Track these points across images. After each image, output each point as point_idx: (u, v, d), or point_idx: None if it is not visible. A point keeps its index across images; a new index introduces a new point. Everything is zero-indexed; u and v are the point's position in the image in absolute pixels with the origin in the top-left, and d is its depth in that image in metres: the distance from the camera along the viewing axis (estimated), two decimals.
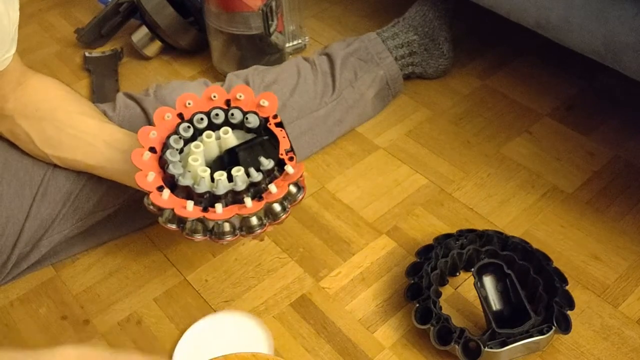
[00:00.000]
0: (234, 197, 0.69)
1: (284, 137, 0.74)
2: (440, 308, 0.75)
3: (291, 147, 0.74)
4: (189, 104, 0.78)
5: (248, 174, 0.70)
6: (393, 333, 0.77)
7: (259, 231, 0.71)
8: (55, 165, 0.81)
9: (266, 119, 0.76)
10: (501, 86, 1.09)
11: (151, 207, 0.72)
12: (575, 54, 0.90)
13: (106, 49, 1.21)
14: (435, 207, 0.91)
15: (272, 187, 0.69)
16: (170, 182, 0.71)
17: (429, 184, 0.94)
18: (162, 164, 0.72)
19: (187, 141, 0.76)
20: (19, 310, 0.81)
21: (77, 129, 0.80)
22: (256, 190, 0.70)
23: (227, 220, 0.70)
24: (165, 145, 0.73)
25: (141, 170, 0.71)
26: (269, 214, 0.72)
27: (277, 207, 0.72)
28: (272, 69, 0.98)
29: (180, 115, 0.77)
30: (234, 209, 0.69)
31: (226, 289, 0.82)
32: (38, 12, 1.33)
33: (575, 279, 0.81)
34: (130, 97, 0.92)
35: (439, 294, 0.78)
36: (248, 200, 0.68)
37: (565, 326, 0.72)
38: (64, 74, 1.17)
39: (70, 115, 0.81)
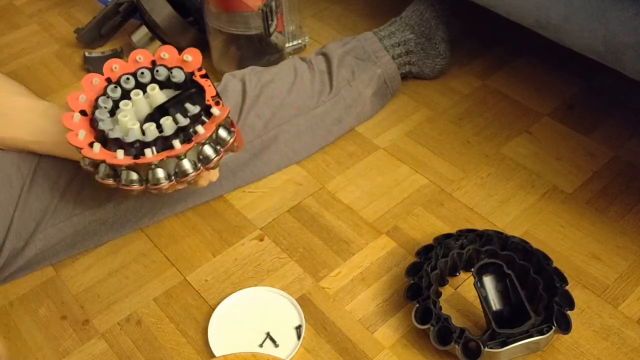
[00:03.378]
0: (164, 144, 0.72)
1: (209, 85, 0.77)
2: (440, 308, 0.75)
3: (217, 94, 0.77)
4: (115, 68, 0.80)
5: (177, 122, 0.73)
6: (393, 333, 0.77)
7: (192, 174, 0.74)
8: (42, 157, 0.82)
9: (192, 73, 0.79)
10: (501, 86, 1.09)
11: (87, 166, 0.75)
12: (575, 54, 0.90)
13: (106, 49, 1.21)
14: (435, 207, 0.91)
15: (200, 128, 0.72)
16: (102, 140, 0.73)
17: (429, 184, 0.94)
18: (93, 123, 0.74)
19: (117, 102, 0.78)
20: (18, 310, 0.81)
21: (10, 108, 0.81)
22: (185, 135, 0.73)
23: (159, 166, 0.72)
24: (95, 107, 0.76)
25: (72, 130, 0.73)
26: (201, 158, 0.75)
27: (208, 149, 0.74)
28: (269, 69, 0.98)
29: (108, 80, 0.79)
30: (163, 153, 0.72)
31: (226, 289, 0.82)
32: (38, 12, 1.33)
33: (575, 279, 0.81)
34: None
35: (438, 294, 0.78)
36: (177, 143, 0.71)
37: (565, 326, 0.72)
38: (64, 74, 1.17)
39: (5, 96, 0.82)
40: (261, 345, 0.76)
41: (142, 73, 0.79)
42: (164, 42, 1.16)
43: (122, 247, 0.88)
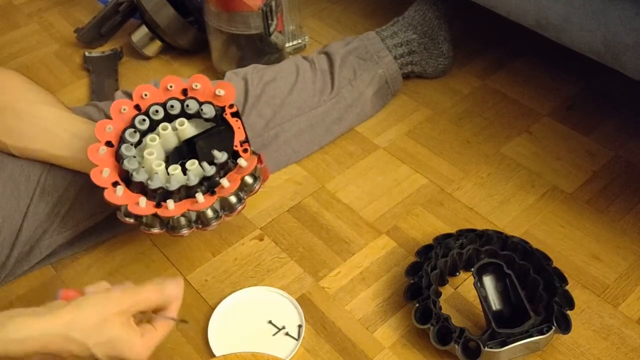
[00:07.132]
0: (187, 192, 0.70)
1: (239, 127, 0.75)
2: (440, 308, 0.75)
3: (246, 137, 0.75)
4: (145, 95, 0.78)
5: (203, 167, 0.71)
6: (393, 333, 0.77)
7: (215, 224, 0.72)
8: (52, 165, 0.81)
9: (222, 109, 0.77)
10: (501, 86, 1.09)
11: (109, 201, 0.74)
12: (575, 54, 0.90)
13: (106, 48, 1.21)
14: (435, 207, 0.91)
15: (224, 182, 0.70)
16: (127, 176, 0.72)
17: (428, 183, 0.94)
18: (118, 158, 0.73)
19: (145, 133, 0.77)
20: None
21: (38, 118, 0.80)
22: (210, 184, 0.71)
23: (181, 215, 0.71)
24: (121, 139, 0.74)
25: (97, 166, 0.72)
26: (224, 206, 0.73)
27: (232, 199, 0.73)
28: (271, 68, 0.98)
29: (137, 107, 0.78)
30: (186, 204, 0.70)
31: (226, 289, 0.82)
32: (38, 11, 1.33)
33: (575, 279, 0.81)
34: (129, 94, 0.92)
35: (438, 294, 0.78)
36: (200, 196, 0.69)
37: (565, 326, 0.72)
38: (64, 74, 1.17)
39: (32, 105, 0.81)
40: (274, 335, 0.76)
41: (172, 106, 0.77)
42: (164, 42, 1.16)
43: (122, 247, 0.88)
